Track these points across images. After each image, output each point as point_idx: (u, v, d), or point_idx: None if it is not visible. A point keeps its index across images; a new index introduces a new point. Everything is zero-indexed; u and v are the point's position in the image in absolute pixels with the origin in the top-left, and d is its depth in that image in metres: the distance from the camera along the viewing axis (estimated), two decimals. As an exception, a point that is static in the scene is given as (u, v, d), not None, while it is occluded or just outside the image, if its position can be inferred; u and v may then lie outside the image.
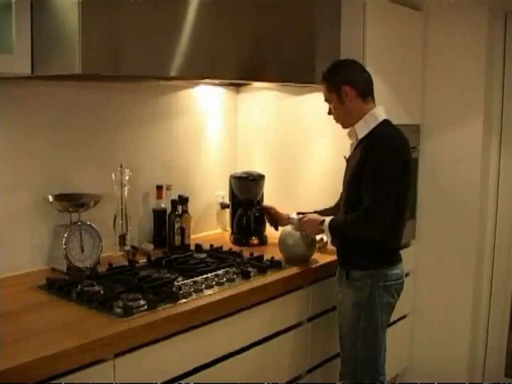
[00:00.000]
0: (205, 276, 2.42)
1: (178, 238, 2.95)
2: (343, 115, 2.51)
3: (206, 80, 2.93)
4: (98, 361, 1.84)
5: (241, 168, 3.32)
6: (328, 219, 2.54)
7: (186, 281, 2.35)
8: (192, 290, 2.27)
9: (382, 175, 2.35)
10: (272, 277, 2.53)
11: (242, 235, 3.12)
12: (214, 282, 2.36)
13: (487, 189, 3.34)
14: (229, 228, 3.29)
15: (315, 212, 2.71)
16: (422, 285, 3.44)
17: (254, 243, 3.07)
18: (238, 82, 3.12)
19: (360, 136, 2.46)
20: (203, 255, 2.75)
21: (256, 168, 3.25)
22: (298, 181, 3.19)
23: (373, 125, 2.44)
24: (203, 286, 2.31)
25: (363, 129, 2.45)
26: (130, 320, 1.98)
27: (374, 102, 2.50)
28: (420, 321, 3.50)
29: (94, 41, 2.00)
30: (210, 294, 2.27)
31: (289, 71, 2.81)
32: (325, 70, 2.55)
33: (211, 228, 3.38)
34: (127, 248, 2.75)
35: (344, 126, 2.54)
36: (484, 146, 3.27)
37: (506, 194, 3.34)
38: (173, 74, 2.31)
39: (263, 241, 3.11)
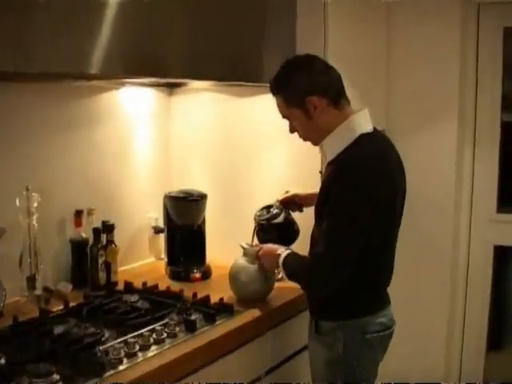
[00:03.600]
0: (139, 332, 1.88)
1: (102, 276, 2.42)
2: (313, 132, 1.98)
3: (133, 79, 2.44)
4: None
5: (177, 186, 2.82)
6: (284, 254, 2.03)
7: (115, 341, 1.81)
8: (123, 354, 1.74)
9: (342, 219, 1.83)
10: (223, 327, 2.03)
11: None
12: (151, 340, 1.84)
13: (460, 202, 3.01)
14: (164, 256, 2.77)
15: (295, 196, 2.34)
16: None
17: (195, 277, 2.56)
18: (170, 81, 2.64)
19: (328, 159, 1.94)
20: (135, 297, 2.24)
21: (195, 185, 2.75)
22: (246, 200, 2.71)
23: (344, 144, 1.89)
24: (137, 347, 1.79)
25: (332, 149, 1.92)
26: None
27: (349, 103, 1.98)
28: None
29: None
30: (146, 359, 1.76)
31: (232, 67, 2.33)
32: (273, 80, 2.00)
33: (143, 257, 2.87)
34: (38, 292, 2.20)
35: (316, 144, 2.02)
36: (458, 154, 2.92)
37: (479, 208, 3.03)
38: (92, 70, 1.84)
39: (206, 274, 2.61)
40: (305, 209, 2.41)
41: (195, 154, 2.93)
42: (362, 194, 1.80)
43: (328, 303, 1.98)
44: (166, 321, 1.99)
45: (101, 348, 1.76)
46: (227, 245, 2.53)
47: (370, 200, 1.81)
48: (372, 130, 1.96)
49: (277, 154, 2.66)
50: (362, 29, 2.74)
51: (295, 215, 2.43)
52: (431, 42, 2.89)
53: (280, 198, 2.41)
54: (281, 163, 2.65)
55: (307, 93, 1.91)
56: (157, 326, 1.93)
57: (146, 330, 1.90)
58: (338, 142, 1.91)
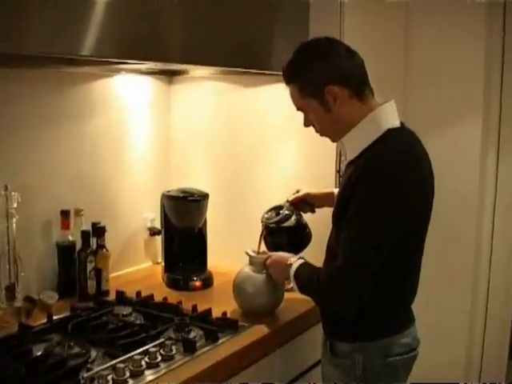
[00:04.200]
0: (130, 354, 1.64)
1: (91, 284, 2.19)
2: (332, 126, 1.73)
3: (128, 65, 2.21)
4: None
5: (176, 184, 2.61)
6: (296, 264, 1.80)
7: (102, 367, 1.58)
8: (110, 382, 1.51)
9: (365, 223, 1.59)
10: (226, 347, 1.79)
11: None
12: (143, 365, 1.60)
13: (484, 204, 2.80)
14: (161, 260, 2.54)
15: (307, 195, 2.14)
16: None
17: (195, 286, 2.34)
18: (169, 67, 2.42)
19: (349, 157, 1.71)
20: (127, 310, 2.00)
21: (196, 184, 2.54)
22: (253, 200, 2.51)
23: (368, 140, 1.65)
24: (127, 373, 1.55)
25: (354, 146, 1.68)
26: None
27: (373, 95, 1.73)
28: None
29: None
30: (138, 388, 1.52)
31: (237, 53, 2.10)
32: (286, 67, 1.75)
33: (138, 262, 2.64)
34: (18, 304, 1.97)
35: (335, 140, 1.78)
36: (482, 154, 2.70)
37: (503, 207, 2.84)
38: (84, 52, 1.63)
39: (208, 282, 2.39)
40: (317, 210, 2.18)
41: (196, 149, 2.73)
42: (390, 193, 1.56)
43: (345, 321, 1.74)
44: (161, 340, 1.75)
45: (85, 375, 1.53)
46: (231, 250, 2.38)
47: (397, 197, 1.57)
48: (399, 124, 1.72)
49: (287, 148, 2.45)
50: (379, 28, 2.53)
51: (307, 217, 2.20)
52: (453, 41, 2.72)
53: (290, 197, 2.18)
54: (291, 159, 2.45)
55: (326, 82, 1.66)
56: (150, 346, 1.69)
57: (137, 352, 1.66)
58: (361, 137, 1.66)
